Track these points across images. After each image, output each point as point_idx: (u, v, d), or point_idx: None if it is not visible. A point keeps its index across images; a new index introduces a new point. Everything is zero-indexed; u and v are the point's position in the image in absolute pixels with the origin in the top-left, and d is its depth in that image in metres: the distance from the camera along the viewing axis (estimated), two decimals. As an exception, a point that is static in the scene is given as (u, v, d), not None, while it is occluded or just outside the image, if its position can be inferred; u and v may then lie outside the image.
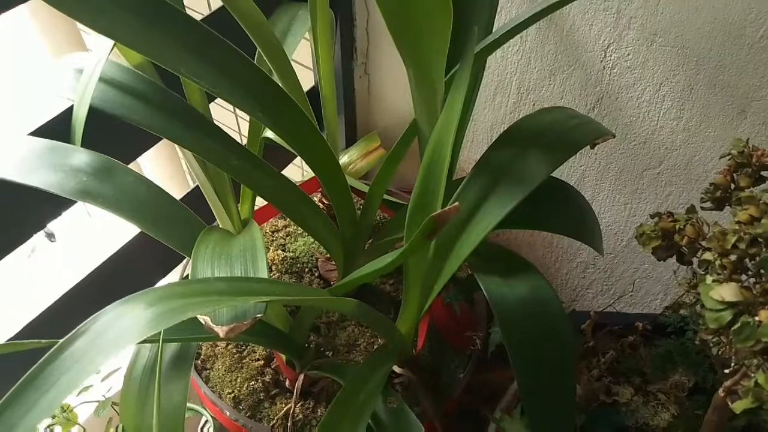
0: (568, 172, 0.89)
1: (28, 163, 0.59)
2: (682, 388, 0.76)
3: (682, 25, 0.68)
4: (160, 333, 0.53)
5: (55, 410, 0.64)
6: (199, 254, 0.56)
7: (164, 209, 0.63)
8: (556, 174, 0.90)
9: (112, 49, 0.60)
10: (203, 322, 0.45)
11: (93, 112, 0.60)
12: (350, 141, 1.07)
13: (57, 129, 0.65)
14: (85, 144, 0.61)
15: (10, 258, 0.71)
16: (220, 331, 0.42)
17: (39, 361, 0.40)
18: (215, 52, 0.57)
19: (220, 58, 0.57)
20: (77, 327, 0.42)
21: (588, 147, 0.65)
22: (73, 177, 0.60)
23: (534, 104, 0.86)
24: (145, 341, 0.59)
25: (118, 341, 0.41)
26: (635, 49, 0.72)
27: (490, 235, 1.06)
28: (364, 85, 1.03)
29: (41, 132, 0.65)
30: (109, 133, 0.67)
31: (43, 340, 0.50)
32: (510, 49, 0.82)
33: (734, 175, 0.46)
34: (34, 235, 0.73)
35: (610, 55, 0.75)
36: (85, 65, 0.62)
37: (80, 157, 0.61)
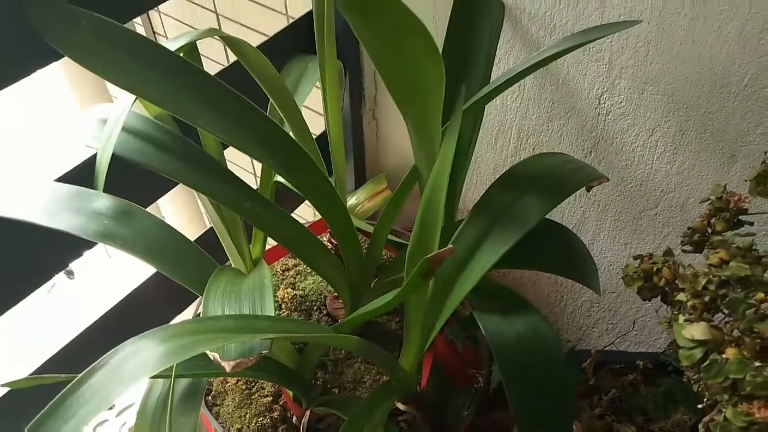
0: (569, 213, 0.92)
1: (54, 207, 0.64)
2: (684, 427, 0.77)
3: (671, 75, 0.71)
4: (172, 368, 0.56)
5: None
6: (211, 293, 0.59)
7: (179, 250, 0.67)
8: (557, 214, 0.93)
9: (133, 103, 0.64)
10: (212, 358, 0.48)
11: (114, 159, 0.64)
12: (360, 182, 1.11)
13: (81, 175, 0.70)
14: (106, 189, 0.66)
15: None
16: (227, 366, 0.45)
17: (61, 392, 0.43)
18: (229, 105, 0.61)
19: (234, 111, 0.61)
20: (96, 361, 0.45)
21: (585, 190, 0.68)
22: (95, 220, 0.64)
23: (534, 148, 0.90)
24: (158, 376, 0.62)
25: (134, 374, 0.44)
26: (627, 97, 0.76)
27: (496, 274, 1.08)
28: (372, 129, 1.07)
29: (66, 178, 0.70)
30: (129, 179, 0.72)
31: (63, 375, 0.53)
32: (509, 96, 0.86)
33: (712, 219, 0.49)
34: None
35: (604, 103, 0.78)
36: (108, 116, 0.67)
37: (102, 201, 0.65)
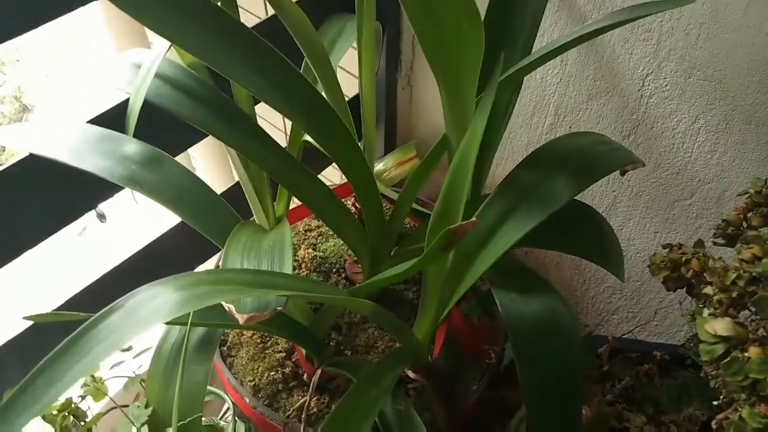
0: (600, 196, 0.90)
1: (83, 149, 0.64)
2: (696, 422, 0.76)
3: (721, 61, 0.68)
4: (188, 316, 0.57)
5: (88, 374, 0.68)
6: (231, 246, 0.59)
7: (204, 201, 0.67)
8: (588, 197, 0.91)
9: (168, 50, 0.64)
10: (227, 309, 0.48)
11: (146, 105, 0.64)
12: (390, 148, 1.09)
13: (113, 119, 0.70)
14: (136, 135, 0.66)
15: (62, 235, 0.76)
16: (240, 318, 0.45)
17: (77, 330, 0.44)
18: (264, 60, 0.60)
19: (267, 66, 0.60)
20: (113, 303, 0.46)
21: (619, 174, 0.66)
22: (122, 164, 0.64)
23: (570, 127, 0.87)
24: (174, 323, 0.63)
25: (148, 319, 0.44)
26: (673, 80, 0.73)
27: (519, 253, 1.07)
28: (406, 95, 1.05)
29: (98, 121, 0.70)
30: (159, 126, 0.72)
31: (82, 313, 0.54)
32: (550, 71, 0.84)
33: (749, 213, 0.47)
34: (86, 215, 0.78)
35: (648, 85, 0.75)
36: (143, 61, 0.67)
37: (131, 146, 0.66)
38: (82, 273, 0.82)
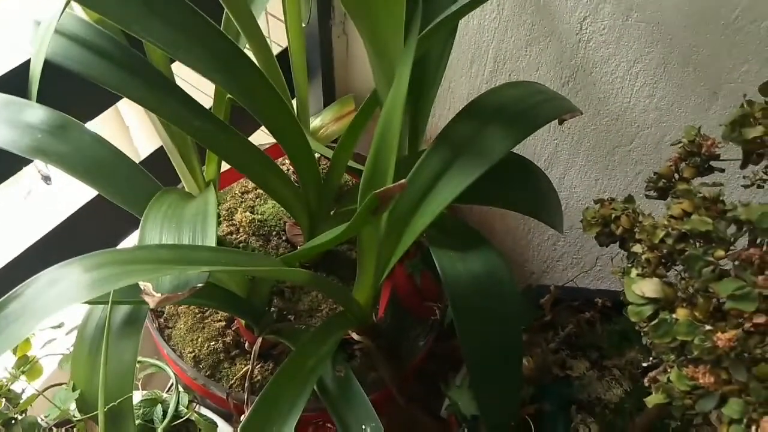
0: (541, 146, 0.88)
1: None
2: (637, 365, 0.77)
3: (659, 1, 0.66)
4: (109, 294, 0.54)
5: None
6: (150, 217, 0.56)
7: (122, 171, 0.63)
8: (529, 147, 0.90)
9: (67, 4, 0.58)
10: (143, 289, 0.45)
11: (52, 67, 0.59)
12: (328, 102, 1.05)
13: (14, 83, 0.64)
14: (43, 100, 0.60)
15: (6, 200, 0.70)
16: (151, 300, 0.42)
17: (-29, 323, 0.40)
18: (175, 12, 0.55)
19: (180, 20, 0.56)
20: (12, 290, 0.42)
21: (558, 123, 0.64)
22: (27, 134, 0.59)
23: (510, 74, 0.85)
24: (95, 302, 0.60)
25: (51, 305, 0.41)
26: (611, 23, 0.71)
27: (464, 206, 1.05)
28: (342, 45, 1.01)
29: (-1, 85, 0.64)
30: (68, 90, 0.66)
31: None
32: (487, 16, 0.80)
33: (681, 164, 0.46)
34: (30, 176, 0.71)
35: (586, 28, 0.73)
36: (42, 17, 0.61)
37: (36, 113, 0.60)
38: (29, 238, 0.76)
